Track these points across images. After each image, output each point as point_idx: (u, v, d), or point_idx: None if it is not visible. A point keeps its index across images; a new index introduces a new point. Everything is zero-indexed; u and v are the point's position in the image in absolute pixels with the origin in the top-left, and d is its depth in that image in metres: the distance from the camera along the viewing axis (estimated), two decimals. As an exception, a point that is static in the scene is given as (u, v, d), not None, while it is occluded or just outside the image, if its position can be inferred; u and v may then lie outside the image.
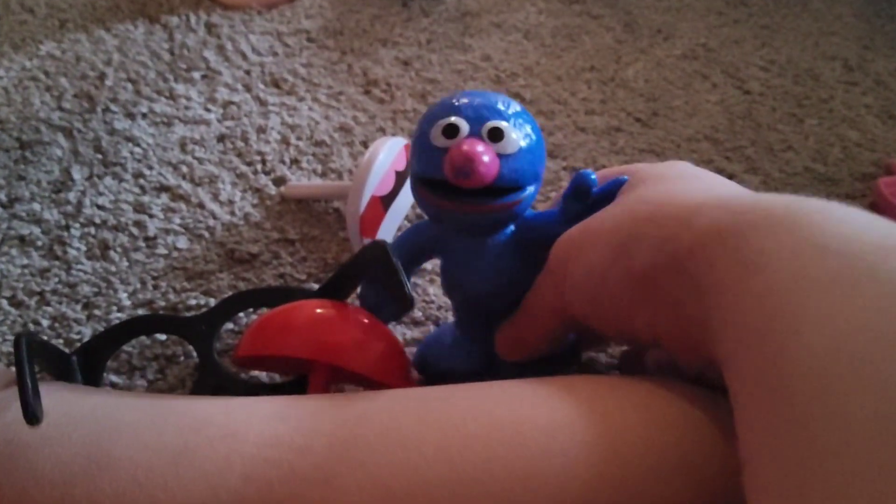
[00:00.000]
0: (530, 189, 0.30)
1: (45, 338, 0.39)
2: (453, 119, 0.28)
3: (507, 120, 0.29)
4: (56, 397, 0.27)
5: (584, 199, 0.29)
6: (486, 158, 0.27)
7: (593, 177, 0.29)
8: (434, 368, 0.36)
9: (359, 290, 0.35)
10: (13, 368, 0.28)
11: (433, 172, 0.29)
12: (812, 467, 0.16)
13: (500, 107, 0.29)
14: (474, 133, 0.28)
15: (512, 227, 0.31)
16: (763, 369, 0.18)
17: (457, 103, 0.29)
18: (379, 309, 0.34)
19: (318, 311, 0.32)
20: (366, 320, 0.32)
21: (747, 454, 0.19)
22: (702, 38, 0.70)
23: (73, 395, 0.28)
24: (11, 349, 0.38)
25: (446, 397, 0.25)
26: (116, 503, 0.23)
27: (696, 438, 0.23)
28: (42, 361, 0.32)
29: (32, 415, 0.25)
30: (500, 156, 0.28)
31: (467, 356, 0.35)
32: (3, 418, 0.26)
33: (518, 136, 0.28)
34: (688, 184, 0.27)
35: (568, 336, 0.33)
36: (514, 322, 0.31)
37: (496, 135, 0.28)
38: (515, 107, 0.30)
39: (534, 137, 0.29)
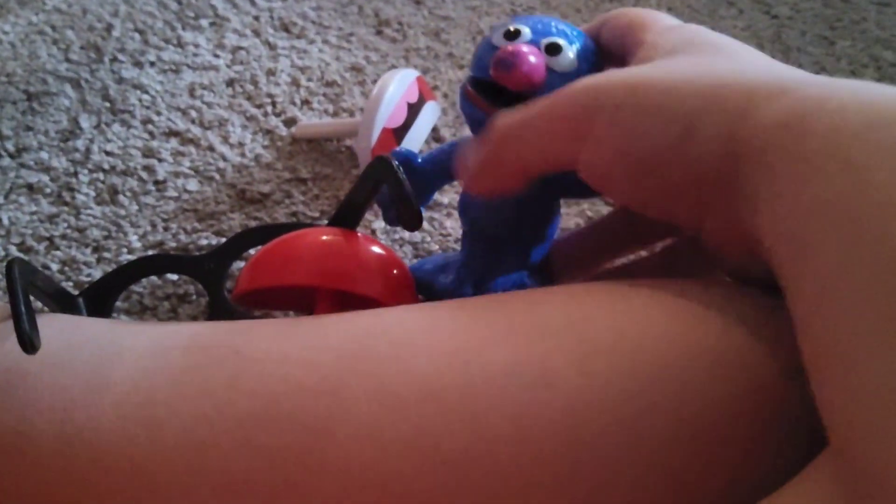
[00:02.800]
0: None
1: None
2: (519, 25, 0.28)
3: (571, 42, 0.28)
4: (56, 327, 0.27)
5: None
6: (532, 59, 0.26)
7: None
8: (418, 282, 0.34)
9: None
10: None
11: (481, 72, 0.28)
12: None
13: (567, 30, 0.28)
14: (534, 42, 0.27)
15: None
16: (857, 265, 0.16)
17: (528, 17, 0.29)
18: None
19: (319, 237, 0.30)
20: (370, 245, 0.30)
21: (826, 357, 0.17)
22: (726, -36, 0.67)
23: (74, 325, 0.27)
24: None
25: (459, 306, 0.24)
26: (118, 426, 0.22)
27: (735, 336, 0.21)
28: (46, 300, 0.31)
29: (28, 341, 0.24)
30: (552, 71, 0.27)
31: (452, 276, 0.33)
32: (2, 348, 0.25)
33: (577, 57, 0.28)
34: (738, 55, 0.24)
35: None
36: (491, 152, 0.26)
37: (553, 49, 0.27)
38: (586, 39, 0.29)
39: (591, 68, 0.28)
